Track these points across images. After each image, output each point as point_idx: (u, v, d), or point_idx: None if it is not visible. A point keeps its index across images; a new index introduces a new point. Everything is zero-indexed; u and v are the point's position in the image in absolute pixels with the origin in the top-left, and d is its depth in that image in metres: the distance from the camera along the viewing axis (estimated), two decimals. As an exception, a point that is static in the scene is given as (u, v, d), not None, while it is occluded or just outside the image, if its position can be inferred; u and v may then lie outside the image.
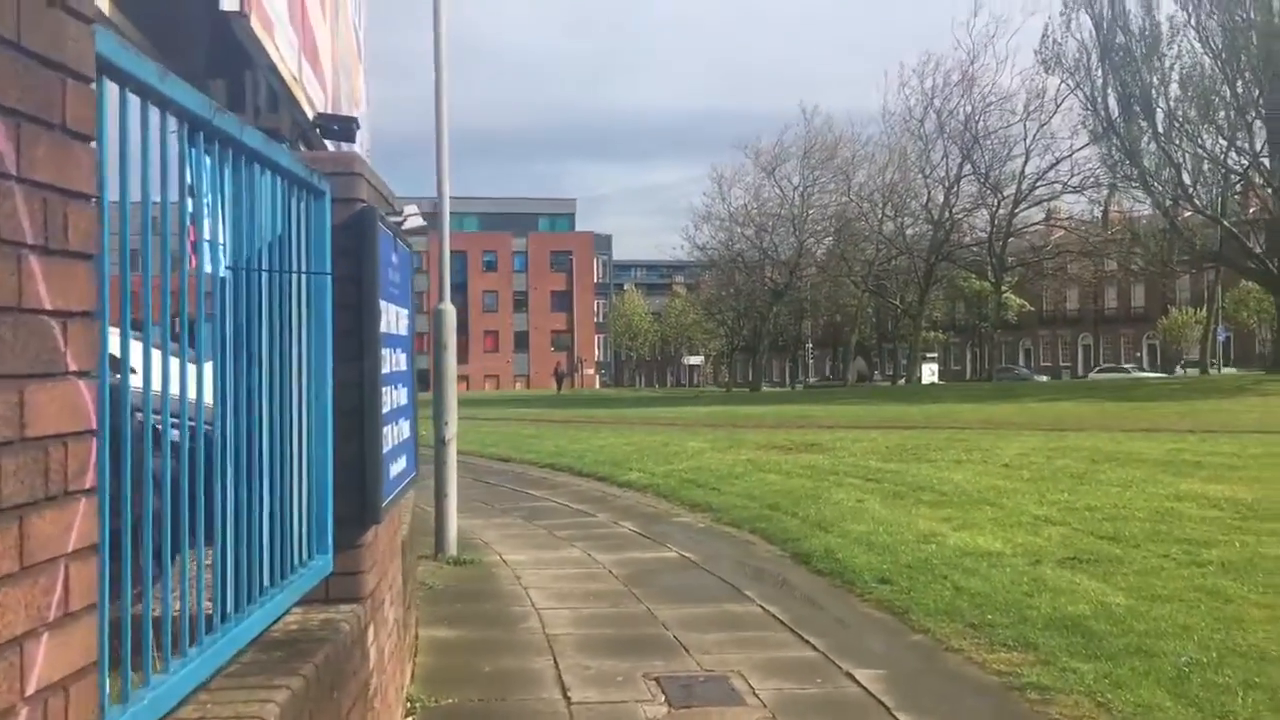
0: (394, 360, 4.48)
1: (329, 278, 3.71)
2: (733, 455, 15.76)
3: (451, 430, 8.97)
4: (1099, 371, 68.97)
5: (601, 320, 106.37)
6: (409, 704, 5.22)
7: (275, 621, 3.38)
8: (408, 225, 5.14)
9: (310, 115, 4.85)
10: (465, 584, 8.16)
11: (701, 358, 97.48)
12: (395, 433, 4.50)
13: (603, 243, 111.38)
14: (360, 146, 7.80)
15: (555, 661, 6.02)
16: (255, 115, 5.00)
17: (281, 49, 4.20)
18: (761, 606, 7.27)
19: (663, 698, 5.36)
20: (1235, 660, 5.35)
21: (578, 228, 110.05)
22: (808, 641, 6.36)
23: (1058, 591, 6.93)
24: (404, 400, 4.80)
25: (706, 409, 33.87)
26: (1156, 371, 64.51)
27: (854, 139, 61.69)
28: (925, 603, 6.93)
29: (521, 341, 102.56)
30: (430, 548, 9.04)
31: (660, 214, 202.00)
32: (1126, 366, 71.10)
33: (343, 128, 4.89)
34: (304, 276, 3.57)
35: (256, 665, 3.05)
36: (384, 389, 4.13)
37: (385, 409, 4.17)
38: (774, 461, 14.65)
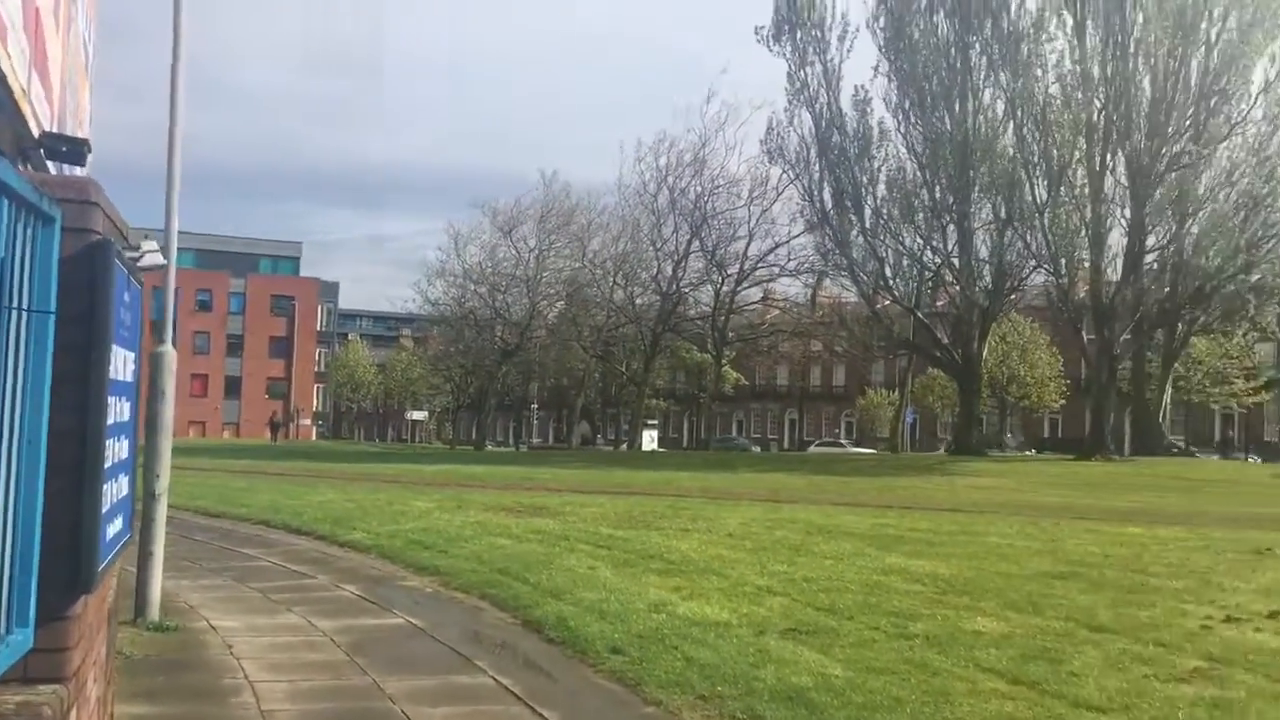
0: (118, 409, 4.06)
1: (51, 316, 3.31)
2: (461, 516, 15.44)
3: (163, 484, 8.26)
4: (817, 445, 73.50)
5: (322, 370, 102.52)
6: (103, 793, 4.67)
7: (-42, 708, 2.92)
8: (145, 262, 4.69)
9: (35, 133, 4.37)
10: (169, 653, 7.47)
11: (425, 413, 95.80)
12: (115, 490, 4.06)
13: (329, 290, 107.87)
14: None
15: (272, 740, 5.58)
16: (-32, 126, 4.45)
17: (13, 57, 3.75)
18: (493, 678, 7.07)
19: (392, 779, 5.07)
20: (945, 732, 5.68)
21: (303, 272, 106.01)
22: (541, 715, 6.23)
23: (781, 662, 7.15)
24: (125, 454, 4.35)
25: (432, 467, 33.16)
26: (861, 447, 69.28)
27: (590, 207, 63.18)
28: (657, 674, 6.96)
29: (233, 387, 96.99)
30: (129, 611, 8.24)
31: (391, 264, 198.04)
32: (843, 442, 76.18)
33: (72, 150, 4.42)
34: (23, 314, 3.16)
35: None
36: (107, 442, 3.72)
37: (106, 464, 3.75)
38: (503, 524, 14.47)
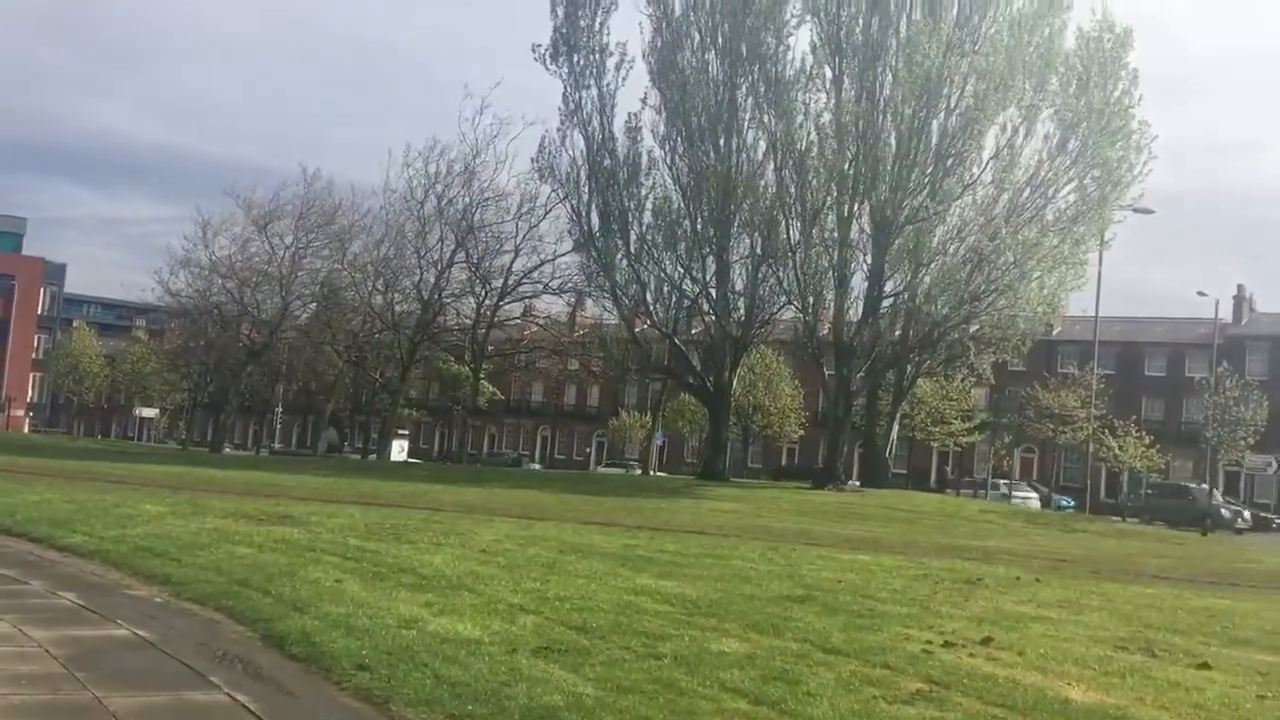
0: None
1: None
2: (197, 523, 14.58)
3: None
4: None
5: (41, 357, 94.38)
6: None
7: None
8: None
9: None
10: None
11: (156, 411, 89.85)
12: None
13: (55, 271, 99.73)
14: None
15: (-24, 764, 5.07)
16: None
17: None
18: (229, 694, 6.71)
19: (116, 805, 4.71)
20: (691, 750, 5.84)
21: (25, 250, 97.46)
22: (282, 735, 5.97)
23: (533, 681, 7.15)
24: None
25: (164, 468, 31.17)
26: (616, 467, 70.64)
27: (354, 208, 61.46)
28: (406, 692, 6.81)
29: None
30: None
31: (127, 249, 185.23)
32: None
33: None
34: None
35: None
36: None
37: None
38: (244, 533, 13.77)
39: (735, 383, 53.15)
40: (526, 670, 7.42)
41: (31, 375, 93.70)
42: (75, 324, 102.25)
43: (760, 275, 47.84)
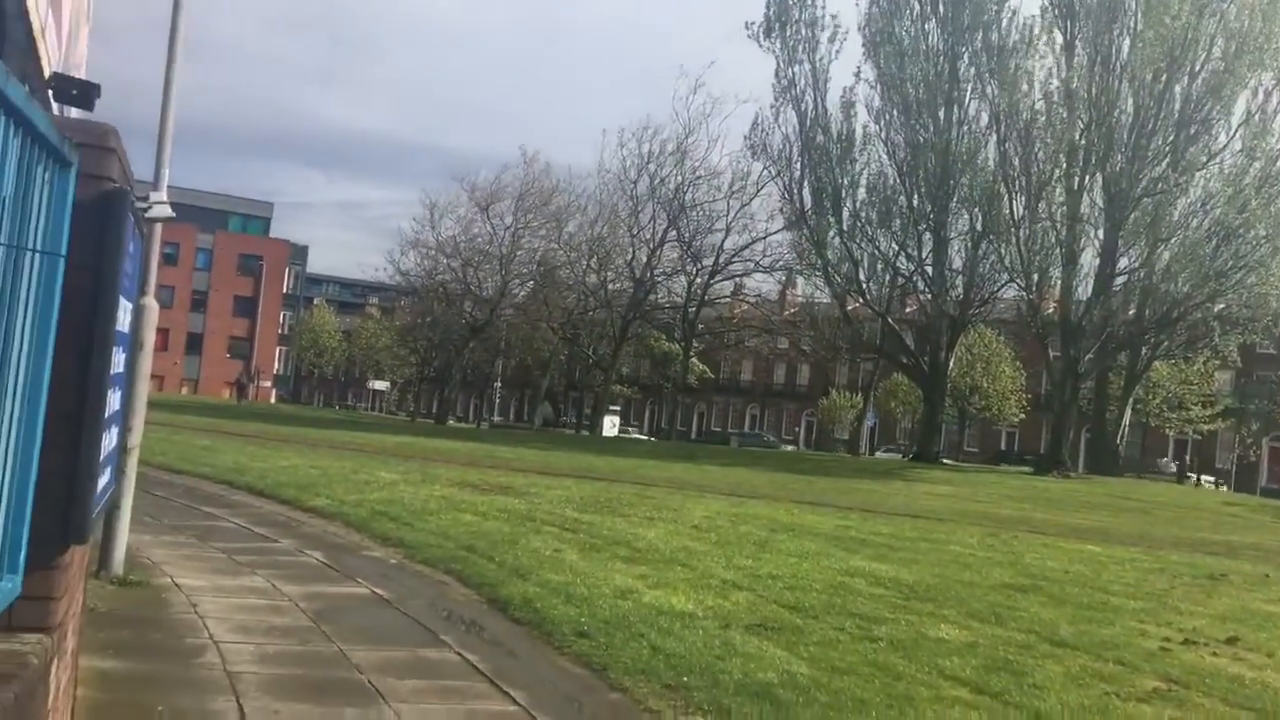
0: (115, 360, 4.01)
1: (62, 260, 3.25)
2: (426, 490, 15.37)
3: (136, 438, 8.16)
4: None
5: (286, 333, 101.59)
6: (70, 746, 4.61)
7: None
8: (152, 213, 4.61)
9: (46, 73, 4.27)
10: (133, 608, 7.39)
11: (387, 384, 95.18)
12: (107, 441, 4.00)
13: (298, 252, 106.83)
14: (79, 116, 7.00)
15: (239, 704, 5.53)
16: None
17: (35, -7, 3.67)
18: (459, 654, 7.06)
19: (360, 750, 5.05)
20: (910, 736, 5.73)
21: (273, 233, 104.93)
22: (508, 694, 6.22)
23: (747, 657, 7.18)
24: (117, 405, 4.30)
25: (394, 438, 33.00)
26: (809, 447, 69.79)
27: (569, 189, 62.94)
28: (623, 660, 6.96)
29: (195, 344, 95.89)
30: (92, 564, 8.14)
31: (363, 231, 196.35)
32: (769, 437, 76.91)
33: (83, 93, 4.32)
34: (33, 255, 3.11)
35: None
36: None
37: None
38: (469, 501, 14.42)
39: (951, 363, 51.40)
40: (740, 646, 7.46)
41: (277, 349, 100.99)
42: (316, 302, 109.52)
43: (980, 252, 46.04)
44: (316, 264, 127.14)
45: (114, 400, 4.12)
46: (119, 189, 3.49)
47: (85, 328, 3.40)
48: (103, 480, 4.02)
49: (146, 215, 4.24)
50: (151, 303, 8.12)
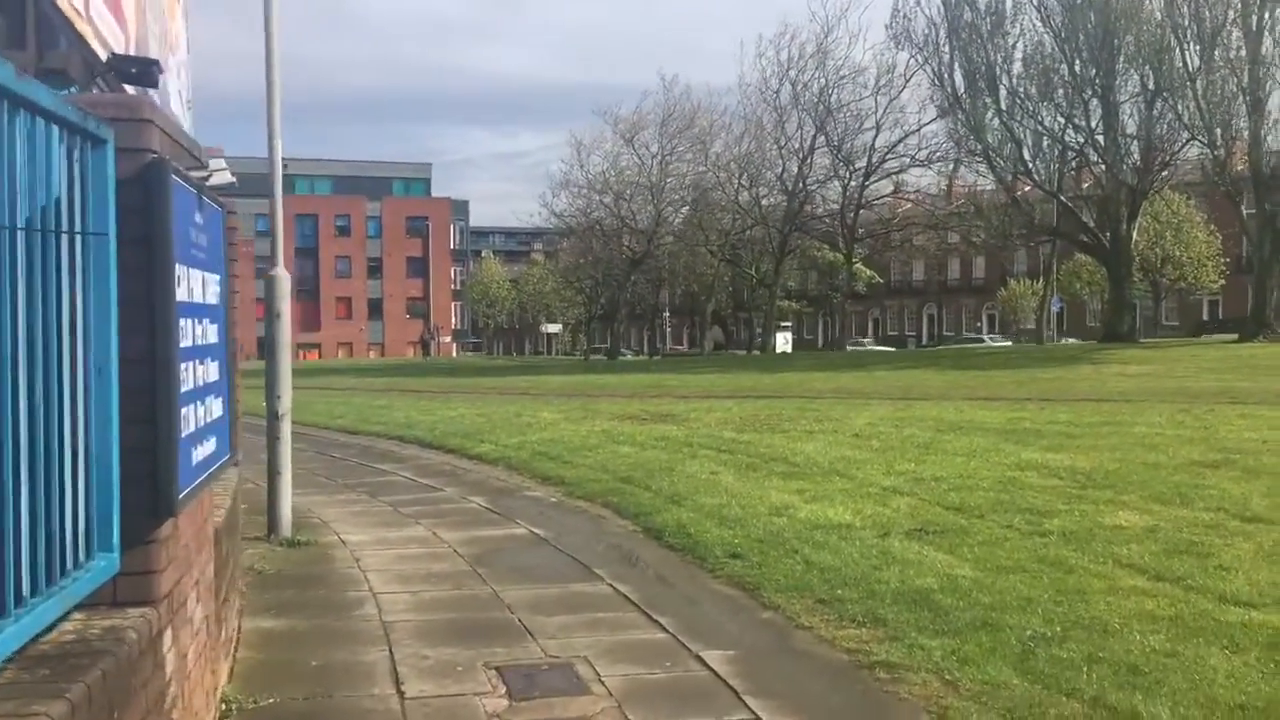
0: (199, 332, 4.03)
1: (110, 239, 3.25)
2: (586, 426, 15.52)
3: (285, 404, 8.43)
4: (956, 342, 71.98)
5: (458, 287, 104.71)
6: (224, 706, 4.79)
7: (46, 632, 2.95)
8: (214, 180, 4.65)
9: (104, 57, 4.31)
10: (298, 568, 7.68)
11: (559, 325, 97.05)
12: (201, 413, 4.05)
13: (460, 208, 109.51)
14: (175, 95, 7.16)
15: (390, 652, 5.65)
16: (39, 55, 4.42)
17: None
18: (611, 586, 7.05)
19: (504, 689, 5.07)
20: (1078, 634, 5.37)
21: (434, 193, 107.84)
22: (657, 622, 6.16)
23: (905, 564, 6.91)
24: (214, 376, 4.34)
25: (561, 378, 33.58)
26: (1005, 340, 67.36)
27: (711, 109, 61.96)
28: (776, 578, 6.81)
29: (376, 309, 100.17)
30: (262, 529, 8.52)
31: (518, 180, 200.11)
32: (982, 337, 74.33)
33: (142, 71, 4.34)
34: (78, 237, 3.10)
35: (15, 688, 2.62)
36: (184, 365, 3.68)
37: (186, 387, 3.73)
38: (628, 433, 14.47)
39: (1136, 235, 48.40)
40: (899, 553, 7.19)
41: (453, 304, 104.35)
42: (483, 254, 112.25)
43: (1155, 113, 42.96)
44: (480, 218, 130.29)
45: (207, 372, 4.16)
46: (158, 159, 3.46)
47: (144, 302, 3.40)
48: (204, 451, 4.08)
49: (208, 183, 4.24)
50: (282, 273, 8.32)
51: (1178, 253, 61.44)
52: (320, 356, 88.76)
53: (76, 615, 3.17)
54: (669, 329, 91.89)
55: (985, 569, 6.70)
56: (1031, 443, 11.86)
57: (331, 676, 5.29)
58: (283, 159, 8.42)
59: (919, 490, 9.30)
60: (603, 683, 5.13)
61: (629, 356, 72.52)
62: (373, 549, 8.30)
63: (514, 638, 5.91)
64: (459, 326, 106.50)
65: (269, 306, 8.29)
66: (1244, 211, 42.38)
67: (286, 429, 8.50)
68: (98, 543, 3.22)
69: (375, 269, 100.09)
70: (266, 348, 8.33)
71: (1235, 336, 41.56)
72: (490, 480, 11.92)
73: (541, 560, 7.96)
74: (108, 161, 3.26)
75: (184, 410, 3.67)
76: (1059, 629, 5.46)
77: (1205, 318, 67.29)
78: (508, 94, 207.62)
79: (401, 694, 5.01)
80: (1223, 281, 62.83)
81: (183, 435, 3.62)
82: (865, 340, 78.66)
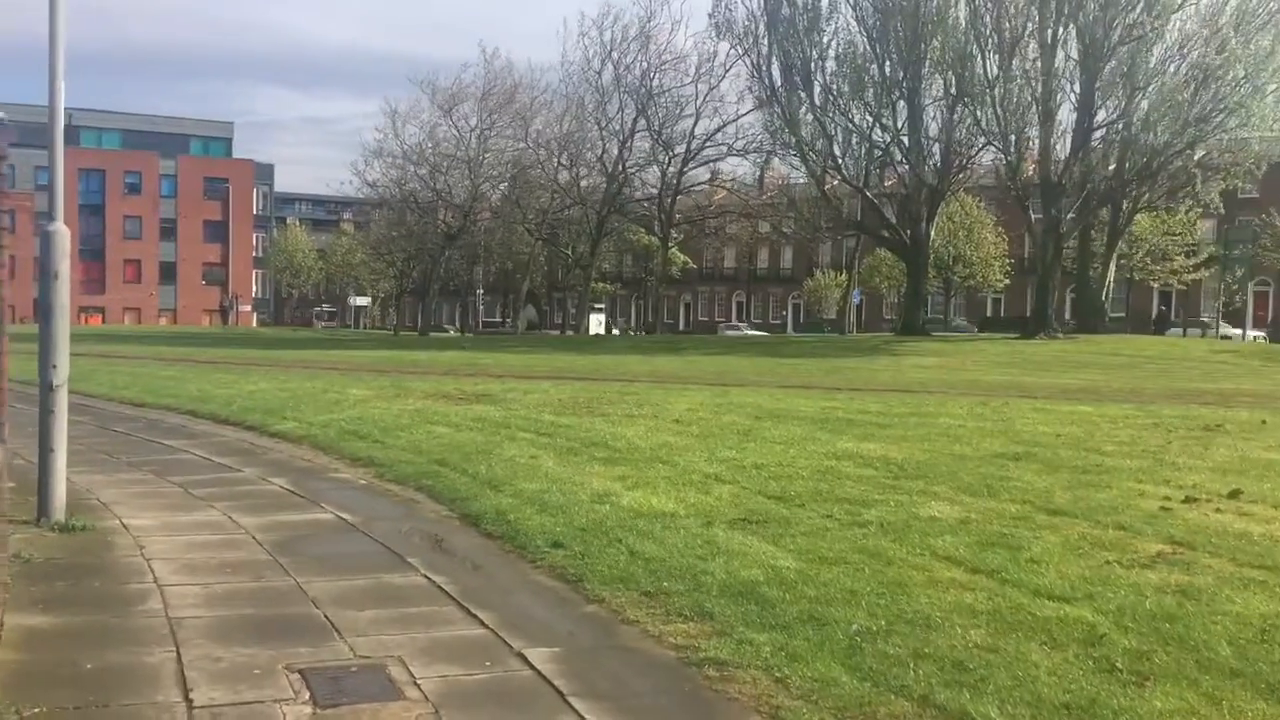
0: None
1: None
2: (399, 405, 14.90)
3: (62, 373, 7.60)
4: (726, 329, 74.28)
5: (260, 255, 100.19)
6: (-22, 721, 4.18)
7: None
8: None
9: None
10: (72, 556, 6.93)
11: (369, 299, 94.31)
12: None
13: (264, 172, 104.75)
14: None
15: (178, 653, 5.11)
16: None
17: None
18: (426, 576, 6.65)
19: (308, 695, 4.63)
20: (902, 628, 5.34)
21: (236, 154, 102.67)
22: (476, 617, 5.82)
23: (731, 554, 6.79)
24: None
25: (372, 353, 32.49)
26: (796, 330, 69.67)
27: (533, 85, 61.46)
28: (600, 569, 6.57)
29: (168, 273, 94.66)
30: (32, 511, 7.68)
31: (329, 146, 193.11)
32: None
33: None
34: None
35: None
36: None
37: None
38: (442, 413, 13.96)
39: (933, 234, 50.78)
40: (724, 543, 7.07)
41: (253, 273, 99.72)
42: (288, 221, 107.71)
43: (956, 117, 45.11)
44: (287, 183, 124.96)
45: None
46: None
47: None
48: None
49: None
50: (60, 228, 7.49)
51: (968, 252, 64.96)
52: (104, 321, 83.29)
53: None
54: (482, 306, 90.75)
55: (809, 560, 6.65)
56: (845, 432, 12.07)
57: (108, 681, 4.73)
58: (66, 108, 7.58)
59: (740, 478, 9.25)
60: (418, 685, 4.77)
61: (453, 333, 71.08)
62: (159, 535, 7.60)
63: (319, 636, 5.46)
64: (260, 296, 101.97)
65: (45, 265, 7.44)
66: (1031, 216, 45.03)
67: (63, 401, 7.66)
68: None
69: (169, 231, 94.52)
70: (41, 310, 7.48)
71: (1018, 334, 44.16)
72: (294, 460, 11.23)
73: (350, 549, 7.47)
74: None
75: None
76: (883, 623, 5.43)
77: (990, 315, 71.42)
78: (318, 56, 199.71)
79: (190, 702, 4.51)
80: (1007, 281, 66.85)
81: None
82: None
